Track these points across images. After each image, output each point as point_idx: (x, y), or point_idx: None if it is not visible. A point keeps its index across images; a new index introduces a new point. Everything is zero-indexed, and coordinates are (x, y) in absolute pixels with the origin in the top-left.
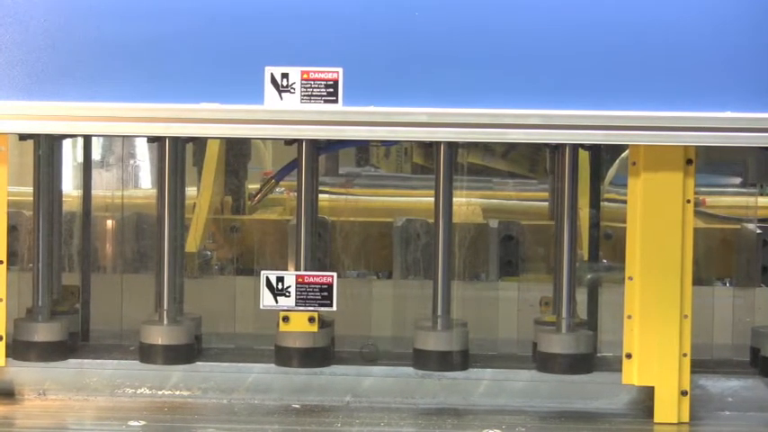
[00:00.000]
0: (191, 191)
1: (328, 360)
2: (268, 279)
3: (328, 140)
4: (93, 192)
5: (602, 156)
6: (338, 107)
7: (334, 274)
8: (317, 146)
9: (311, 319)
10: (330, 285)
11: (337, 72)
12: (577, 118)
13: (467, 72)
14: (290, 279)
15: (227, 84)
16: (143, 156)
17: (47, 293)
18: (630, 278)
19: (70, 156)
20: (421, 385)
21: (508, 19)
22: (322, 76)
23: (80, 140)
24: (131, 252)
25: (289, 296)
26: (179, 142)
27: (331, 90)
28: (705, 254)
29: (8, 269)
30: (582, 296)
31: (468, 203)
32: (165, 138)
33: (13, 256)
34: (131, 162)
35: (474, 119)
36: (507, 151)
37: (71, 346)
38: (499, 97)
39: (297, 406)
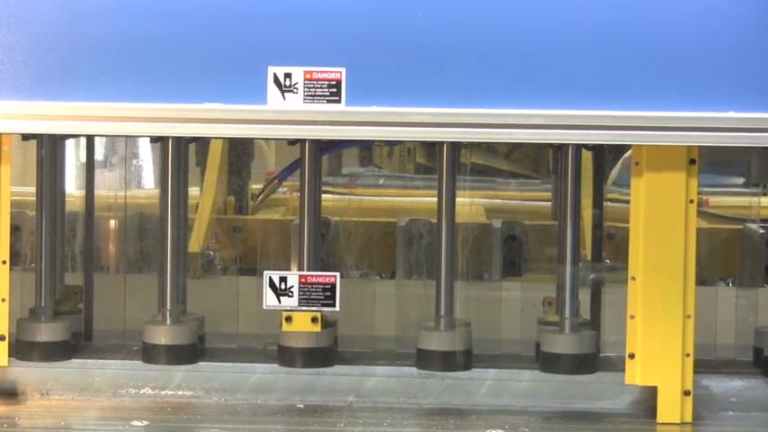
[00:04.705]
0: (194, 191)
1: (331, 360)
2: (271, 279)
3: (331, 140)
4: (96, 192)
5: (605, 156)
6: (341, 107)
7: (337, 274)
8: (320, 146)
9: (314, 319)
10: (333, 285)
11: (340, 72)
12: (581, 118)
13: (470, 72)
14: (293, 279)
15: (231, 84)
16: (146, 156)
17: (50, 293)
18: (633, 278)
19: (73, 156)
20: (424, 385)
21: (511, 19)
22: (325, 76)
23: (83, 140)
24: (134, 252)
25: (292, 296)
26: (182, 142)
27: (334, 90)
28: (708, 254)
29: (11, 269)
30: (585, 296)
31: (471, 203)
32: (167, 138)
33: (15, 256)
34: (134, 162)
35: (477, 119)
36: (510, 151)
37: (74, 347)
38: (502, 97)
39: (300, 406)
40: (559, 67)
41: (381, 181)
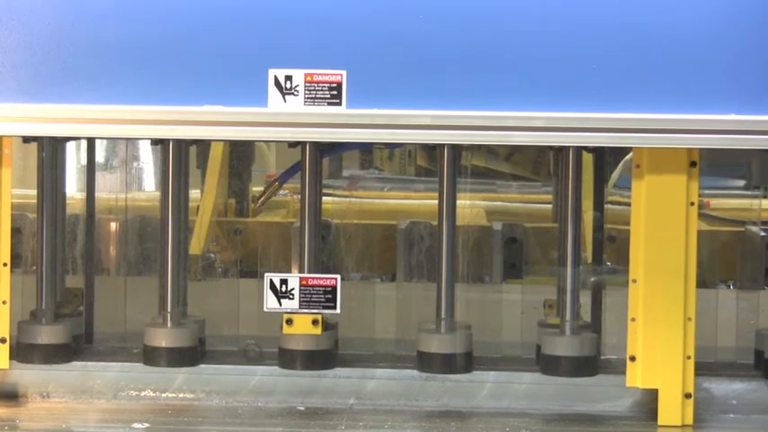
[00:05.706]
0: (194, 193)
1: (332, 362)
2: (272, 281)
3: (332, 143)
4: (97, 194)
5: (606, 158)
6: (342, 110)
7: (338, 277)
8: (321, 148)
9: (315, 322)
10: (334, 288)
11: (341, 74)
12: (581, 120)
13: (470, 74)
14: (293, 281)
15: (231, 86)
16: (147, 158)
17: (50, 296)
18: (634, 281)
19: (74, 158)
20: (425, 388)
21: (511, 21)
22: (326, 78)
23: (84, 143)
24: (135, 254)
25: (292, 299)
26: (182, 144)
27: (335, 92)
28: (709, 256)
29: (12, 272)
30: (586, 299)
31: (471, 206)
32: (168, 140)
33: (16, 259)
34: (135, 164)
35: (478, 121)
36: (511, 154)
37: (75, 349)
38: (503, 100)
39: (301, 408)
40: (560, 69)
41: (387, 188)
